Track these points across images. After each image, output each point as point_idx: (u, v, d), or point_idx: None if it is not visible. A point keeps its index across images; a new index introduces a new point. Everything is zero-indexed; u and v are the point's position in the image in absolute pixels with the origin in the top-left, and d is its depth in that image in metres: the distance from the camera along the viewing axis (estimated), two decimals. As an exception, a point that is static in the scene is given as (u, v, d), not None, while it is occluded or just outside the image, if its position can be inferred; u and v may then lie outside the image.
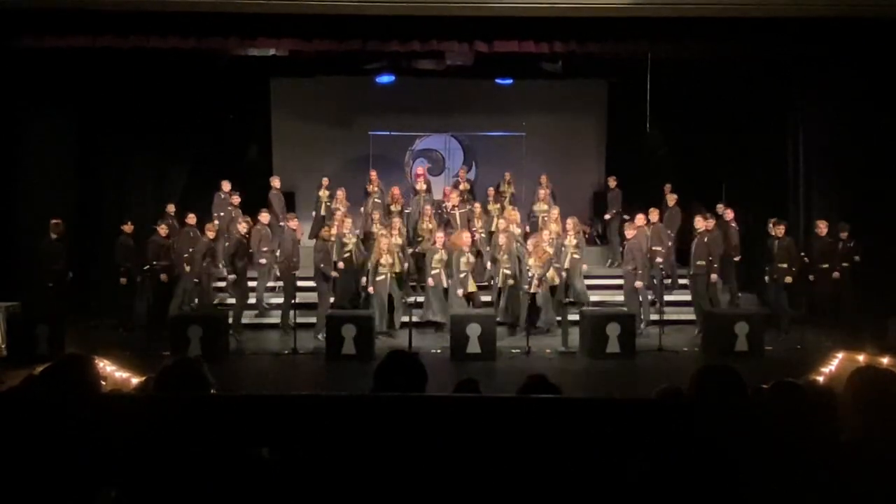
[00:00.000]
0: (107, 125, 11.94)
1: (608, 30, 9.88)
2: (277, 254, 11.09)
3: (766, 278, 10.66)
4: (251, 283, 11.04)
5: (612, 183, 13.23)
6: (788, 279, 10.40)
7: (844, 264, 10.48)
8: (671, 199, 12.08)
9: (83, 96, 11.53)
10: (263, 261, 11.17)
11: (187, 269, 10.54)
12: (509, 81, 14.14)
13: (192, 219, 10.99)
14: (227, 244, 11.04)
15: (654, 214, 11.20)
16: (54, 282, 10.18)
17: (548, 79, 13.45)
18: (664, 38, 10.00)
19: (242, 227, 10.93)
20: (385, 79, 13.70)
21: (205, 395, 2.65)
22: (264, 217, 11.29)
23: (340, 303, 10.49)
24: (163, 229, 10.77)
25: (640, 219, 10.83)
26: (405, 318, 10.21)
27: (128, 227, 10.77)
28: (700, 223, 10.67)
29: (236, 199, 11.96)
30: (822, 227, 10.77)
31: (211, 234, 10.61)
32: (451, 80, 13.20)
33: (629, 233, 10.61)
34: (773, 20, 9.57)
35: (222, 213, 11.88)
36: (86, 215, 11.63)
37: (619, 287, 10.97)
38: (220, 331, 9.46)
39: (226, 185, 12.25)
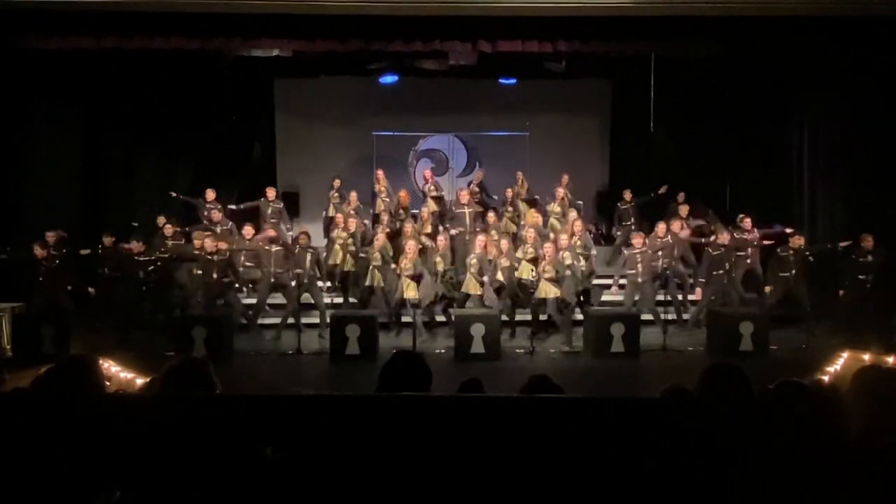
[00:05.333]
0: (111, 126, 11.98)
1: (612, 29, 9.86)
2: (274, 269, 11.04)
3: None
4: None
5: (628, 196, 12.80)
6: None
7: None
8: (684, 209, 11.81)
9: (87, 97, 11.57)
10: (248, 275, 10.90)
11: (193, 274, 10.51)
12: (513, 81, 14.12)
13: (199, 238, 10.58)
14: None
15: (660, 229, 10.79)
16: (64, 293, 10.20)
17: (551, 78, 13.42)
18: (668, 37, 9.98)
19: (223, 245, 10.38)
20: (388, 79, 13.70)
21: (210, 395, 2.66)
22: (248, 231, 10.92)
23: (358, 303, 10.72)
24: (169, 229, 10.68)
25: (661, 228, 10.65)
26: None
27: (108, 240, 10.48)
28: (721, 238, 10.47)
29: (217, 215, 11.44)
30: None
31: (198, 243, 10.31)
32: (454, 79, 13.19)
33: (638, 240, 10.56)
34: (778, 19, 9.55)
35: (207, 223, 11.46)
36: (90, 215, 11.66)
37: (623, 286, 10.97)
38: (224, 331, 9.47)
39: (210, 195, 11.86)
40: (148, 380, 4.38)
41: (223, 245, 10.37)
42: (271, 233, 11.05)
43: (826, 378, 7.17)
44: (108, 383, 3.67)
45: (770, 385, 3.13)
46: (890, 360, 7.87)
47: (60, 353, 8.30)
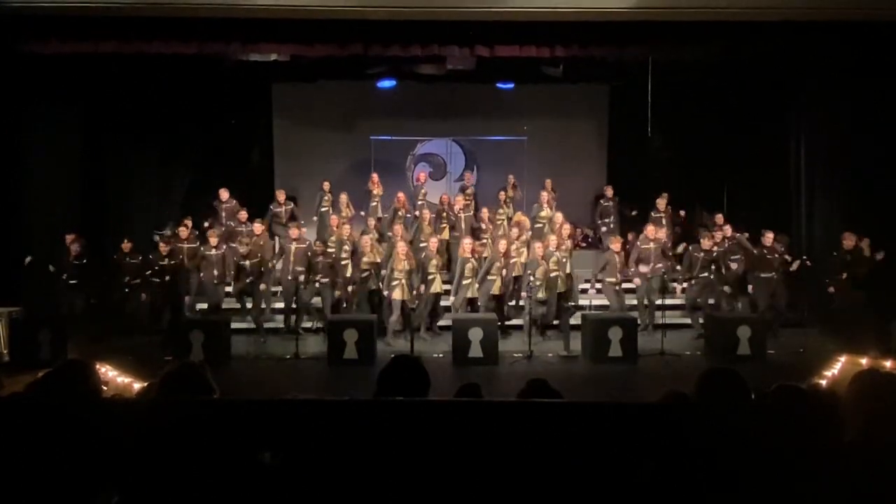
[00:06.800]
0: (110, 130, 11.98)
1: (609, 34, 9.87)
2: (278, 264, 11.12)
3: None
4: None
5: (609, 192, 13.15)
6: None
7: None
8: (661, 204, 12.11)
9: (87, 101, 11.57)
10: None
11: (201, 274, 10.58)
12: (510, 86, 14.14)
13: (213, 236, 10.81)
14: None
15: (651, 232, 10.96)
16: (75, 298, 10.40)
17: (549, 83, 13.42)
18: (665, 43, 9.99)
19: (243, 248, 10.66)
20: (386, 83, 13.71)
21: (207, 399, 2.65)
22: (258, 228, 11.17)
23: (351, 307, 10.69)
24: (164, 247, 10.70)
25: (650, 231, 10.87)
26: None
27: (126, 246, 10.86)
28: (707, 242, 10.59)
29: (243, 215, 11.80)
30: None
31: (213, 241, 10.60)
32: (452, 84, 13.20)
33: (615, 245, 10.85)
34: (775, 24, 9.57)
35: (223, 224, 11.82)
36: (89, 221, 11.64)
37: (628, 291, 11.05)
38: (221, 335, 9.47)
39: (224, 194, 12.19)
40: (145, 384, 4.38)
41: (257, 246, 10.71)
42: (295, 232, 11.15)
43: (823, 382, 7.18)
44: (105, 388, 3.66)
45: (768, 389, 3.14)
46: (887, 364, 7.86)
47: (57, 358, 8.29)
